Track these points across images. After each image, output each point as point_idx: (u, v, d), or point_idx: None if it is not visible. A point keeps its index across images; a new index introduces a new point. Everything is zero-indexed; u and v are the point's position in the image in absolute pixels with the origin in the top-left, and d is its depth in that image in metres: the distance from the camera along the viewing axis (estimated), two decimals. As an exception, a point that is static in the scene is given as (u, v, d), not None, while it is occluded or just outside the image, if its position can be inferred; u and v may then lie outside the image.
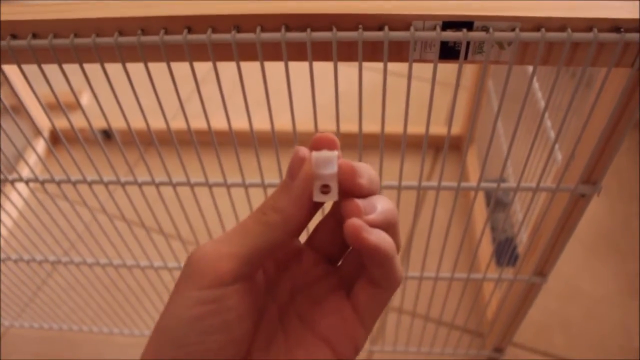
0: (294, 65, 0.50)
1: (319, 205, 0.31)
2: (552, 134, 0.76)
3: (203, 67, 0.57)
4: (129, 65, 0.52)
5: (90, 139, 0.61)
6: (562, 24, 0.47)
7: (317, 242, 0.36)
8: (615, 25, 0.47)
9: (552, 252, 0.71)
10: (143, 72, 0.54)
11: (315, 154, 0.30)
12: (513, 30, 0.47)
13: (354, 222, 0.28)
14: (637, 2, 0.48)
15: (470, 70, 1.28)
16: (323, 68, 0.55)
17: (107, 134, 1.33)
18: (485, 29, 0.47)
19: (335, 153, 0.30)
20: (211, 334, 0.29)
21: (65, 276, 0.96)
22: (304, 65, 0.50)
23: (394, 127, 0.94)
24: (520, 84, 0.83)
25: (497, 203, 1.13)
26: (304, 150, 0.31)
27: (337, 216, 0.34)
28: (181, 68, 0.53)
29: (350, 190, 0.30)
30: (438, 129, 1.33)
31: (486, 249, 1.11)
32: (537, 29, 0.47)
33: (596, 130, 0.56)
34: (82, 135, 0.60)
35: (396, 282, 0.31)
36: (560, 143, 0.68)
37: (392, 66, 0.50)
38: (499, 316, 0.92)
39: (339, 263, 0.36)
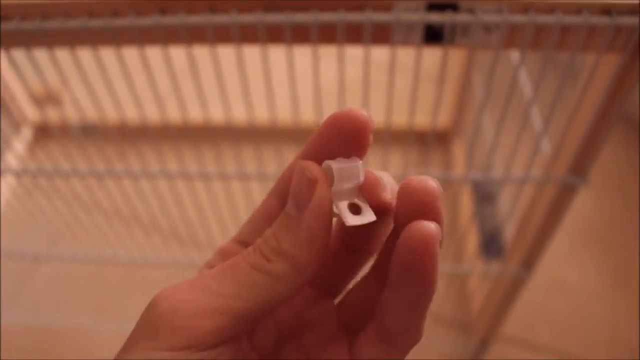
0: (273, 55, 0.48)
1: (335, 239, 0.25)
2: (539, 125, 0.74)
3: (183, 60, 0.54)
4: (109, 59, 0.50)
5: (73, 132, 0.58)
6: (551, 7, 0.45)
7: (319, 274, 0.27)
8: (607, 9, 0.45)
9: (539, 245, 0.70)
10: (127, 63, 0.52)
11: (337, 166, 0.23)
12: (500, 12, 0.45)
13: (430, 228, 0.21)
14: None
15: (455, 60, 1.26)
16: (303, 61, 0.53)
17: (90, 128, 1.30)
18: (471, 11, 0.45)
19: (359, 162, 0.23)
20: None
21: (50, 271, 0.94)
22: (283, 55, 0.48)
23: (377, 119, 0.92)
24: (506, 75, 0.81)
25: (484, 195, 1.12)
26: (313, 170, 0.22)
27: (340, 234, 0.27)
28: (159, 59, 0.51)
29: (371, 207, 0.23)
30: (423, 121, 1.31)
31: (473, 241, 1.09)
32: (525, 12, 0.45)
33: (585, 120, 0.54)
34: (65, 129, 0.58)
35: (416, 339, 0.23)
36: (548, 133, 0.66)
37: (375, 57, 0.48)
38: (486, 308, 0.91)
39: (338, 299, 0.28)
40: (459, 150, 1.29)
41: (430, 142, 0.56)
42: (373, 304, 0.25)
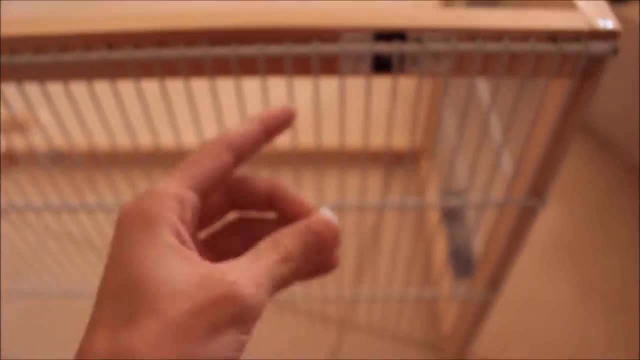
0: (248, 82, 0.48)
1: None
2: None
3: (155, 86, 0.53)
4: (78, 87, 0.49)
5: (42, 160, 0.57)
6: (499, 34, 0.45)
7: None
8: (552, 36, 0.45)
9: (504, 267, 0.69)
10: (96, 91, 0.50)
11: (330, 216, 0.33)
12: (448, 41, 0.45)
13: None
14: (574, 12, 0.47)
15: (426, 81, 1.26)
16: (277, 87, 0.52)
17: (59, 156, 1.28)
18: (419, 40, 0.45)
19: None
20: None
21: (20, 306, 0.92)
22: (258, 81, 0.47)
23: (350, 141, 0.92)
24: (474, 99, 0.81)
25: (452, 212, 1.12)
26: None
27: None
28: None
29: None
30: (394, 141, 1.31)
31: (442, 260, 1.09)
32: (473, 40, 0.45)
33: (539, 143, 0.55)
34: (34, 156, 0.56)
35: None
36: (511, 155, 0.66)
37: (349, 80, 0.48)
38: (456, 330, 0.91)
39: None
40: (429, 167, 1.29)
41: (404, 162, 0.55)
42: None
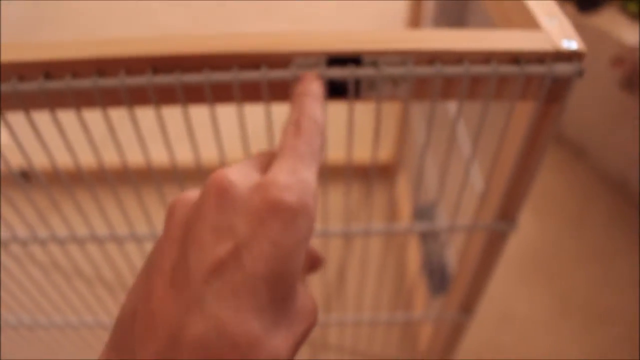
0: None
1: None
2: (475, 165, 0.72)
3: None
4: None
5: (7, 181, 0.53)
6: (459, 57, 0.43)
7: None
8: (515, 58, 0.43)
9: (476, 290, 0.67)
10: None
11: None
12: (405, 65, 0.42)
13: None
14: (538, 33, 0.45)
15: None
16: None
17: (25, 176, 1.24)
18: (375, 64, 0.42)
19: None
20: None
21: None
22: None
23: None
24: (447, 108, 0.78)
25: (428, 232, 1.09)
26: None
27: None
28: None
29: None
30: (367, 155, 1.29)
31: (416, 279, 1.07)
32: (432, 63, 0.43)
33: (507, 166, 0.52)
34: None
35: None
36: (481, 171, 0.64)
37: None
38: (431, 350, 0.88)
39: None
40: (402, 184, 1.27)
41: (373, 178, 0.53)
42: None
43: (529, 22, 0.47)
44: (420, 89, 0.45)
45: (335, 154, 1.24)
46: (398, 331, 1.04)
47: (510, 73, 0.43)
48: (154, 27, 1.96)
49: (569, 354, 1.07)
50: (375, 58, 0.42)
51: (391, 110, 1.34)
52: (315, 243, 0.87)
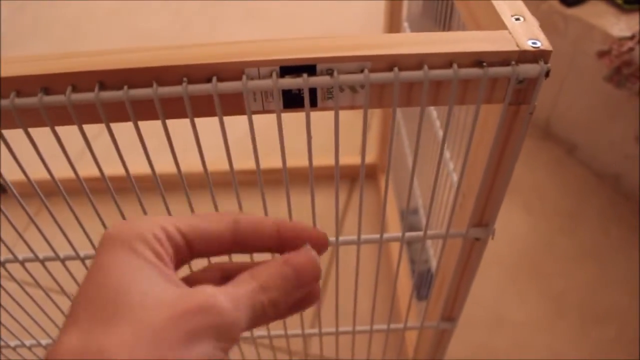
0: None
1: None
2: (451, 166, 0.70)
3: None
4: None
5: None
6: (419, 60, 0.41)
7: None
8: (478, 59, 0.41)
9: (457, 297, 0.65)
10: None
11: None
12: (362, 71, 0.41)
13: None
14: (502, 33, 0.43)
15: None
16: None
17: (2, 189, 1.22)
18: (330, 72, 0.41)
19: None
20: None
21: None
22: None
23: (302, 161, 0.87)
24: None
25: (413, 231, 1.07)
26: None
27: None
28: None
29: None
30: (352, 159, 1.27)
31: (405, 285, 1.05)
32: (390, 69, 0.41)
33: (479, 171, 0.50)
34: None
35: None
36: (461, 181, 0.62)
37: None
38: (418, 354, 0.86)
39: None
40: (389, 183, 1.25)
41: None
42: None
43: (495, 22, 0.45)
44: (381, 96, 0.43)
45: (322, 158, 1.22)
46: (383, 337, 1.02)
47: (473, 75, 0.41)
48: (135, 30, 1.94)
49: (565, 355, 1.05)
50: (330, 66, 0.40)
51: (374, 110, 1.32)
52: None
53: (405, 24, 1.02)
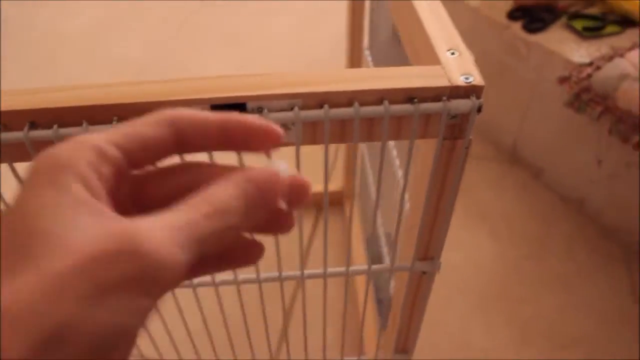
0: None
1: None
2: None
3: None
4: None
5: None
6: (350, 97, 0.41)
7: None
8: (409, 95, 0.41)
9: (410, 329, 0.65)
10: None
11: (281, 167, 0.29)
12: (292, 109, 0.40)
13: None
14: (435, 68, 0.43)
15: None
16: None
17: None
18: (260, 110, 0.40)
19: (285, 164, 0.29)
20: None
21: None
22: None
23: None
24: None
25: (375, 257, 1.07)
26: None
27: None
28: None
29: None
30: (317, 187, 1.26)
31: (370, 314, 1.04)
32: (321, 106, 0.41)
33: (420, 205, 0.50)
34: None
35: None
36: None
37: None
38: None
39: None
40: (353, 213, 1.25)
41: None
42: None
43: (431, 57, 0.46)
44: (314, 133, 0.43)
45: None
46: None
47: (404, 112, 0.41)
48: (110, 56, 1.94)
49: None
50: (260, 104, 0.40)
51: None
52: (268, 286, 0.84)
53: (367, 52, 1.03)
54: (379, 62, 0.95)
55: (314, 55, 1.90)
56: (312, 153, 0.45)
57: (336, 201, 1.30)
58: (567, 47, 1.25)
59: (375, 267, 0.56)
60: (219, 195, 0.26)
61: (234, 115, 0.29)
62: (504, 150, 1.48)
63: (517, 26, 1.33)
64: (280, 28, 2.06)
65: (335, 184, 1.30)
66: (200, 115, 0.29)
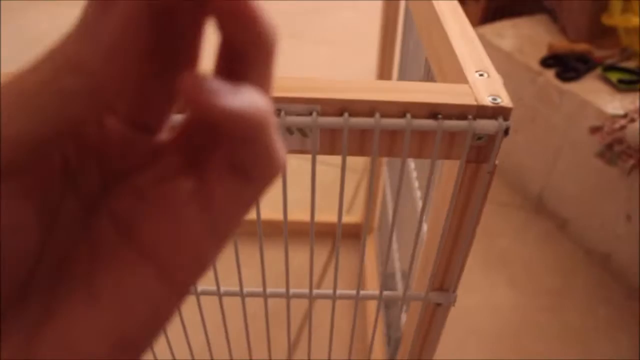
0: None
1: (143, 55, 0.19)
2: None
3: None
4: None
5: None
6: (371, 108, 0.39)
7: (131, 105, 0.21)
8: (433, 111, 0.40)
9: (419, 365, 0.62)
10: None
11: None
12: (311, 114, 0.39)
13: (191, 81, 0.17)
14: (462, 86, 0.41)
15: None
16: None
17: None
18: (278, 112, 0.39)
19: None
20: None
21: None
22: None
23: (294, 214, 0.86)
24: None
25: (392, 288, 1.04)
26: None
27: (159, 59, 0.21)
28: None
29: None
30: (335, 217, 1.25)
31: (378, 345, 1.01)
32: (341, 114, 0.39)
33: (438, 234, 0.48)
34: None
35: (274, 168, 0.20)
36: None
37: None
38: None
39: (175, 136, 0.23)
40: (371, 246, 1.22)
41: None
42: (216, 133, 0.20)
43: (459, 77, 0.44)
44: (332, 142, 0.41)
45: (304, 214, 1.20)
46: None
47: (427, 127, 0.39)
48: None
49: None
50: (278, 106, 0.39)
51: (364, 172, 1.30)
52: (277, 304, 0.82)
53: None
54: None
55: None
56: (337, 180, 0.43)
57: (354, 234, 1.28)
58: (601, 98, 1.22)
59: (387, 293, 0.54)
60: None
61: None
62: (530, 198, 1.45)
63: (550, 74, 1.31)
64: (311, 60, 2.08)
65: (356, 216, 1.28)
66: None
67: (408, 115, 0.39)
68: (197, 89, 0.17)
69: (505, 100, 0.40)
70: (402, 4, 0.90)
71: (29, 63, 0.19)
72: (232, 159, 0.20)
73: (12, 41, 2.18)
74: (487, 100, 0.40)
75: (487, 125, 0.40)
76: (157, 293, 0.20)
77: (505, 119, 0.40)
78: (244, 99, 0.18)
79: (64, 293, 0.20)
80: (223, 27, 0.19)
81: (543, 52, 1.39)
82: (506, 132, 0.40)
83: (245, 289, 0.54)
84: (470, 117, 0.40)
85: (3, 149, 0.17)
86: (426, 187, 0.44)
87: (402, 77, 0.98)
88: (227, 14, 0.18)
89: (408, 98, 0.39)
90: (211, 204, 0.20)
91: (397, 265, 0.93)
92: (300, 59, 2.08)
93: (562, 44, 1.39)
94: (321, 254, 1.26)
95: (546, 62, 1.35)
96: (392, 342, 0.94)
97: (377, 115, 0.39)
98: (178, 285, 0.21)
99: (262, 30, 0.19)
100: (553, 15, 1.53)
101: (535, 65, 1.35)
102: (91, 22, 0.18)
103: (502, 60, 1.43)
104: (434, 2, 0.54)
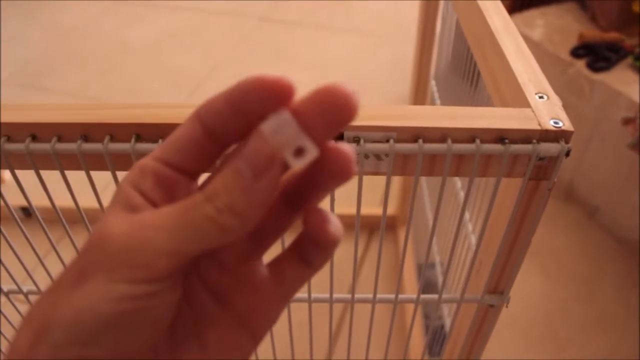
0: None
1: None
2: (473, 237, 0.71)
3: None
4: None
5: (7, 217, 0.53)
6: (442, 135, 0.43)
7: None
8: (500, 136, 0.43)
9: (468, 361, 0.65)
10: None
11: (266, 127, 0.24)
12: (388, 141, 0.42)
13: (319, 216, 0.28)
14: (526, 111, 0.44)
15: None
16: None
17: (27, 212, 1.25)
18: (357, 140, 0.42)
19: (286, 112, 0.24)
20: (135, 332, 0.25)
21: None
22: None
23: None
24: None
25: (429, 286, 1.07)
26: (273, 142, 0.24)
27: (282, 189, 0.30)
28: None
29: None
30: (372, 209, 1.28)
31: (417, 340, 1.05)
32: (415, 140, 0.42)
33: (497, 241, 0.51)
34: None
35: (328, 260, 0.29)
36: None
37: None
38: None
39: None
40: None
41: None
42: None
43: (519, 99, 0.47)
44: (404, 165, 0.44)
45: (342, 207, 1.24)
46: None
47: (495, 151, 0.42)
48: (166, 67, 2.00)
49: None
50: (357, 134, 0.42)
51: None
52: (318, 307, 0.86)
53: (433, 82, 1.04)
54: (440, 92, 0.96)
55: (369, 79, 1.92)
56: (367, 177, 0.46)
57: (389, 225, 1.31)
58: (633, 88, 1.24)
59: (424, 296, 0.57)
60: (212, 182, 0.25)
61: (237, 85, 0.25)
62: (560, 186, 1.47)
63: (581, 64, 1.33)
64: (337, 50, 2.09)
65: (390, 208, 1.31)
66: (214, 96, 0.26)
67: (477, 141, 0.42)
68: (324, 221, 0.28)
69: (566, 124, 0.43)
70: (442, 4, 0.92)
71: None
72: (303, 254, 0.29)
73: (44, 35, 2.22)
74: (549, 125, 0.43)
75: (550, 148, 0.43)
76: (247, 348, 0.29)
77: (567, 141, 0.43)
78: (338, 224, 0.28)
79: (180, 342, 0.28)
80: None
81: (573, 41, 1.40)
82: (567, 154, 0.43)
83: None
84: (534, 141, 0.43)
85: (173, 261, 0.25)
86: (489, 205, 0.47)
87: (438, 72, 1.00)
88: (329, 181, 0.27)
89: (477, 124, 0.42)
90: (284, 282, 0.29)
91: (437, 259, 0.96)
92: (327, 49, 2.10)
93: (593, 33, 1.40)
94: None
95: (576, 52, 1.36)
96: (430, 331, 0.98)
97: (449, 141, 0.42)
98: (259, 339, 0.29)
99: (348, 167, 0.26)
100: (582, 3, 1.54)
101: (565, 55, 1.36)
102: (249, 182, 0.25)
103: (531, 49, 1.44)
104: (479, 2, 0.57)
